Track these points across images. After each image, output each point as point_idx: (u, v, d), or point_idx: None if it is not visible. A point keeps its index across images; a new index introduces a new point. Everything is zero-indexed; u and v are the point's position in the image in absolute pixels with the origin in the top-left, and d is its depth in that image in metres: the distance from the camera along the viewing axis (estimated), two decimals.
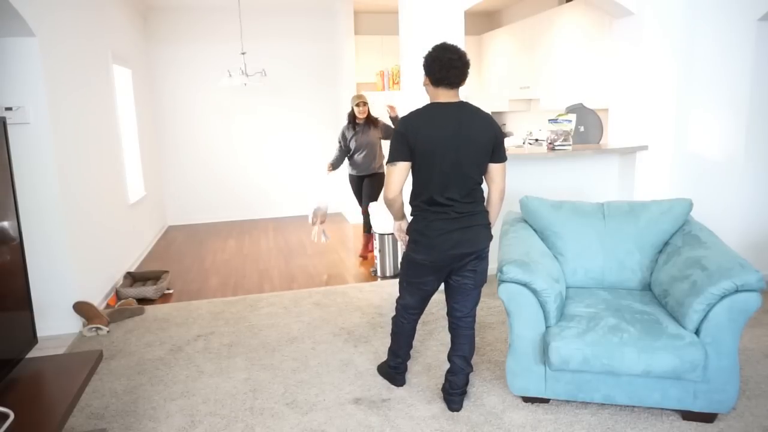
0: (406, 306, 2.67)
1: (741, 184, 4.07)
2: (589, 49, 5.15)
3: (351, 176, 5.36)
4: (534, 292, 2.45)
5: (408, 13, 4.05)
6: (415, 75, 4.06)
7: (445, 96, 2.38)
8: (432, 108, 2.38)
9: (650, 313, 2.50)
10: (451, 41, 2.44)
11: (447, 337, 3.33)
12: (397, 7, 4.16)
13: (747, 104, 3.95)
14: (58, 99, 3.64)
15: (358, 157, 5.16)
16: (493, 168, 2.45)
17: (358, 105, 5.04)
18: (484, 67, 7.57)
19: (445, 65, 2.31)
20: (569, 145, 4.22)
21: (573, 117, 4.24)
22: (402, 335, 2.74)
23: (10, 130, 3.29)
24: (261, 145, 7.52)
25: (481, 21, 8.02)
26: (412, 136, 2.32)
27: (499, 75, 7.08)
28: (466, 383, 2.62)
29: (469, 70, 2.38)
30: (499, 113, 7.87)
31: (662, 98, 4.31)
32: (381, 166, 5.26)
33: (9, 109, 3.33)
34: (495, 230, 4.35)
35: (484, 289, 4.24)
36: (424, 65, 2.39)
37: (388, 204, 2.48)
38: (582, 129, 4.54)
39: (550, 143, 4.25)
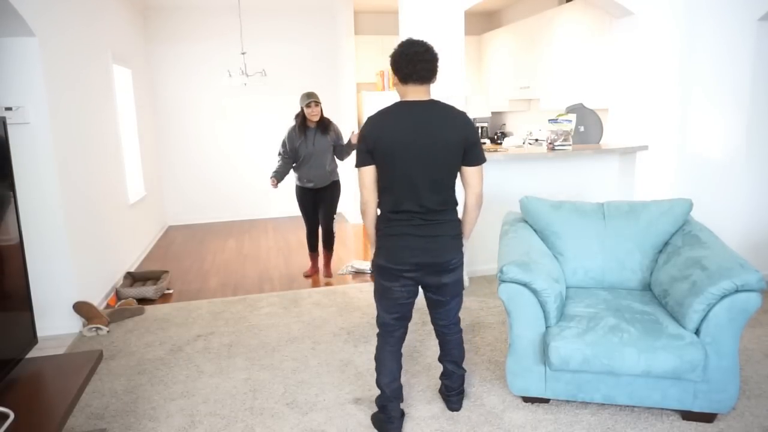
0: (383, 324, 2.42)
1: (741, 184, 4.07)
2: (589, 49, 5.15)
3: (302, 189, 4.57)
4: (534, 292, 2.45)
5: (408, 13, 4.05)
6: None
7: (414, 94, 2.21)
8: (397, 107, 2.22)
9: (650, 313, 2.50)
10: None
11: None
12: (397, 7, 4.15)
13: (747, 104, 3.95)
14: (58, 99, 3.64)
15: (309, 167, 4.44)
16: (468, 171, 2.27)
17: (308, 105, 4.23)
18: (484, 67, 7.57)
19: (412, 59, 2.16)
20: (569, 145, 4.22)
21: (573, 117, 4.24)
22: (382, 362, 2.43)
23: (10, 130, 3.29)
24: (261, 144, 7.51)
25: (481, 21, 8.02)
26: (372, 138, 2.19)
27: (499, 75, 7.08)
28: (462, 384, 2.59)
29: (438, 65, 2.22)
30: (499, 113, 7.87)
31: (662, 98, 4.32)
32: (336, 174, 4.61)
33: (9, 109, 3.33)
34: (495, 230, 4.38)
35: (484, 289, 4.27)
36: (391, 63, 2.23)
37: (361, 213, 2.33)
38: (582, 129, 4.54)
39: (550, 143, 4.25)
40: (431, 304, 2.46)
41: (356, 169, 2.29)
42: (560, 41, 5.59)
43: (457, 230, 2.32)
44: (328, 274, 4.82)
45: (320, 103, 4.32)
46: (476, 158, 2.26)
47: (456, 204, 2.32)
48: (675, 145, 4.41)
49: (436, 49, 2.28)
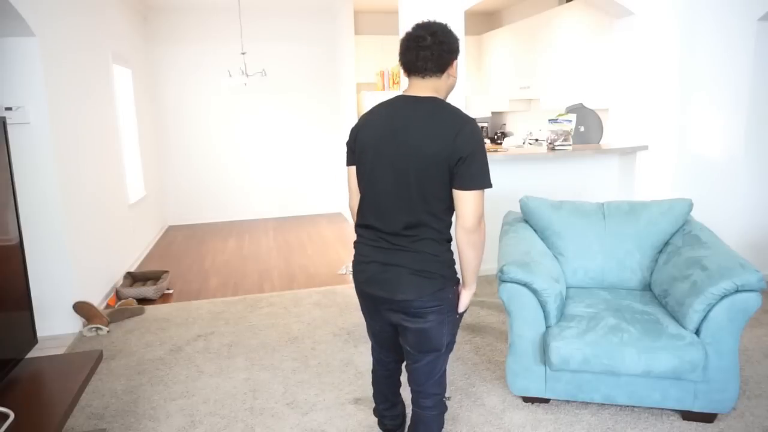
0: (372, 347, 2.15)
1: (741, 184, 4.07)
2: (589, 49, 5.15)
3: None
4: (534, 292, 2.45)
5: (408, 13, 4.05)
6: None
7: (415, 88, 1.76)
8: (391, 101, 1.80)
9: (650, 313, 2.50)
10: None
11: None
12: (397, 7, 4.15)
13: (747, 104, 3.95)
14: (58, 99, 3.64)
15: None
16: (457, 196, 1.69)
17: None
18: (484, 67, 7.57)
19: (411, 46, 1.71)
20: (569, 145, 4.22)
21: (573, 117, 4.24)
22: (375, 381, 2.21)
23: (10, 130, 3.29)
24: (261, 145, 7.52)
25: (481, 21, 8.02)
26: (353, 132, 1.84)
27: (499, 75, 7.08)
28: None
29: (448, 55, 1.76)
30: (499, 113, 7.87)
31: (662, 98, 4.32)
32: None
33: (9, 109, 3.33)
34: (495, 230, 4.38)
35: (484, 289, 4.26)
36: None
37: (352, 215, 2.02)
38: (582, 129, 4.54)
39: (550, 143, 4.25)
40: (404, 352, 1.94)
41: None
42: (560, 41, 5.59)
43: (424, 265, 1.74)
44: None
45: None
46: (468, 180, 1.66)
47: (437, 233, 1.76)
48: (675, 145, 4.41)
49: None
